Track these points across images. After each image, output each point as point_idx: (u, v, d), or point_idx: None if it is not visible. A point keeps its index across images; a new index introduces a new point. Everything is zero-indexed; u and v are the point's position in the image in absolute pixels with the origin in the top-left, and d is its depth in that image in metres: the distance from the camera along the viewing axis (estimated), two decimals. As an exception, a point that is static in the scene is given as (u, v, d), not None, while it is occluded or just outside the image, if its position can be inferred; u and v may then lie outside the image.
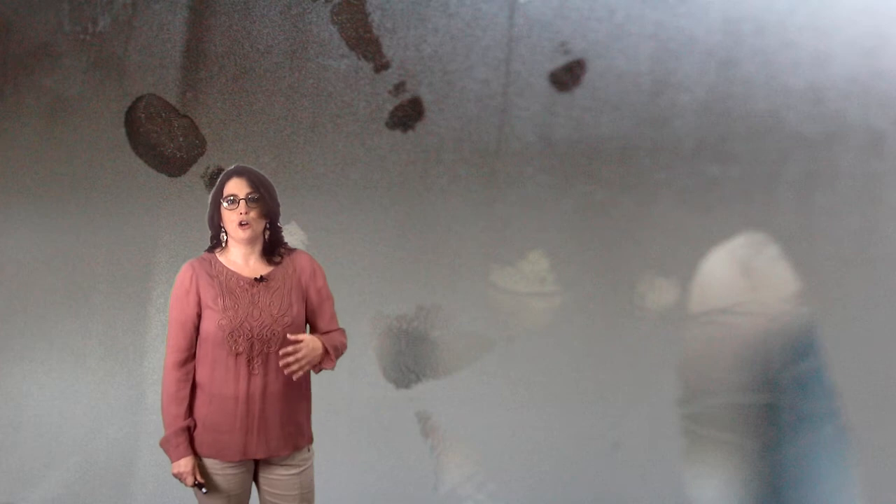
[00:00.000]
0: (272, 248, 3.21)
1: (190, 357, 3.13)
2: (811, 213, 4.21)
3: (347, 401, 4.44)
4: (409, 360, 4.55)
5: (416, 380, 4.55)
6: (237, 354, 3.09)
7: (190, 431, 3.13)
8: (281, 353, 3.06)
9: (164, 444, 3.16)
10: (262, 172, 3.22)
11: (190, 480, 3.11)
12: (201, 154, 4.74)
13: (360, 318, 4.53)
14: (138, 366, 4.75)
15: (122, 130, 4.78)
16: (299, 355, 3.06)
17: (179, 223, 4.73)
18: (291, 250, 3.26)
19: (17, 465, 4.81)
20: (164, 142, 4.75)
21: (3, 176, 4.88)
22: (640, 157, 4.37)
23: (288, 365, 3.05)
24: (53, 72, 4.84)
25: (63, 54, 4.84)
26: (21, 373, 4.85)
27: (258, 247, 3.19)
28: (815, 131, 4.19)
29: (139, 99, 4.76)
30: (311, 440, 3.27)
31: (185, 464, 3.11)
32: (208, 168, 4.72)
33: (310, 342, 3.09)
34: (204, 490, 3.13)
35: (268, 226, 3.19)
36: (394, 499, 4.54)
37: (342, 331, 3.31)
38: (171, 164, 4.75)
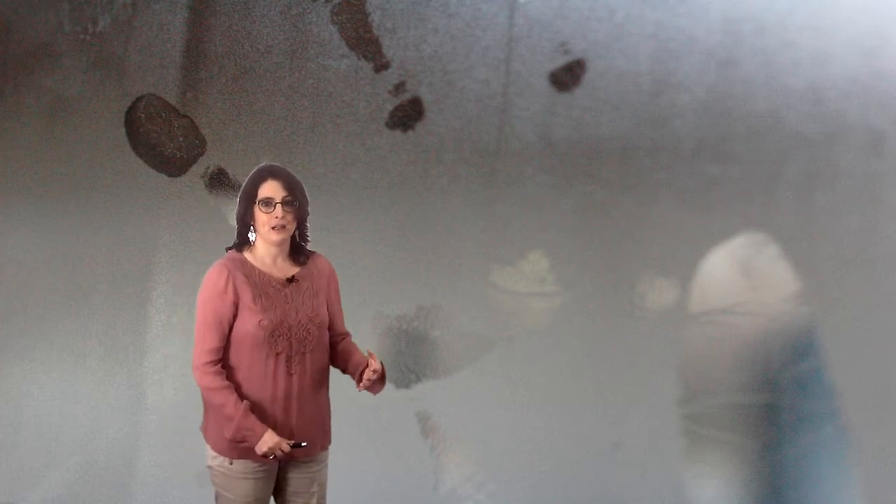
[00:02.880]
0: (300, 249, 3.21)
1: (220, 358, 3.10)
2: (811, 213, 4.21)
3: (347, 401, 4.44)
4: (409, 360, 4.55)
5: (416, 380, 4.55)
6: (277, 354, 3.08)
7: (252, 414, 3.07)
8: (369, 370, 3.15)
9: (239, 431, 3.03)
10: (291, 172, 3.20)
11: (286, 446, 3.03)
12: (201, 154, 4.74)
13: (360, 318, 4.52)
14: (138, 366, 4.75)
15: (122, 130, 4.78)
16: (376, 376, 3.17)
17: (179, 223, 4.73)
18: (311, 252, 3.27)
19: (17, 465, 4.81)
20: (164, 142, 4.75)
21: (3, 176, 4.88)
22: (640, 157, 4.37)
23: (366, 381, 3.17)
24: (53, 72, 4.84)
25: (63, 54, 4.84)
26: (21, 373, 4.84)
27: (286, 247, 3.19)
28: (815, 131, 4.19)
29: (139, 99, 4.76)
30: (331, 440, 3.29)
31: (270, 437, 3.02)
32: (208, 168, 4.72)
33: (381, 367, 3.19)
34: (304, 444, 3.07)
35: (297, 227, 3.19)
36: (394, 499, 4.54)
37: (350, 336, 3.36)
38: (171, 164, 4.75)
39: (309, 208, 3.21)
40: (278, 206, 3.09)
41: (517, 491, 4.45)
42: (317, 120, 4.65)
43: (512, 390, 4.46)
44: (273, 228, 3.09)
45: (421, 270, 4.55)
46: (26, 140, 4.87)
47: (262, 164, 3.22)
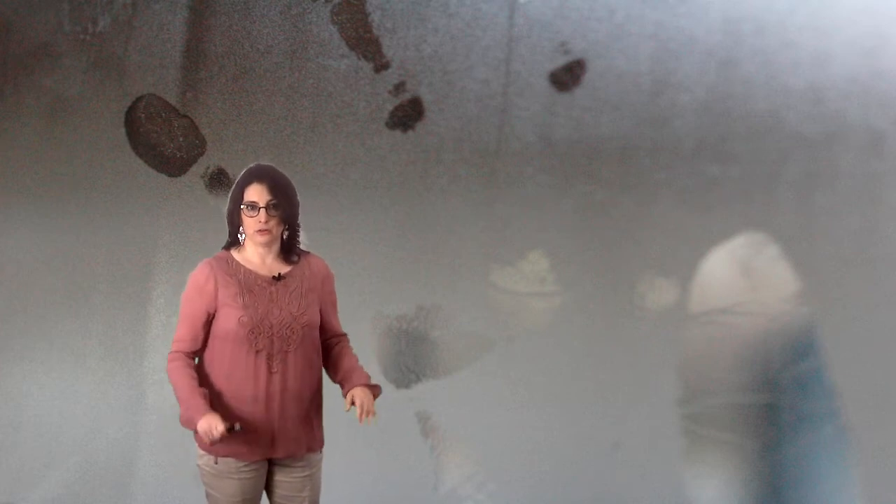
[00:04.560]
0: (289, 248, 3.21)
1: (192, 351, 3.12)
2: (811, 213, 4.21)
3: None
4: (409, 360, 4.55)
5: (416, 380, 4.55)
6: (257, 352, 3.08)
7: (206, 397, 3.03)
8: (361, 420, 3.12)
9: (185, 411, 3.03)
10: (282, 173, 3.19)
11: (221, 427, 2.96)
12: (201, 154, 4.74)
13: (360, 318, 4.52)
14: (138, 366, 4.76)
15: (122, 130, 4.78)
16: (367, 407, 3.12)
17: (179, 223, 4.73)
18: (306, 253, 3.27)
19: (17, 465, 4.81)
20: (164, 142, 4.76)
21: (3, 176, 4.88)
22: (640, 157, 4.37)
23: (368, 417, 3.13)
24: (53, 72, 4.85)
25: (63, 54, 4.84)
26: (21, 373, 4.85)
27: (275, 246, 3.19)
28: (815, 131, 4.19)
29: (139, 99, 4.77)
30: (322, 443, 3.27)
31: (209, 417, 2.97)
32: (208, 168, 4.72)
33: (360, 394, 3.14)
34: (238, 427, 3.01)
35: (286, 227, 3.18)
36: (394, 499, 4.54)
37: (347, 338, 3.33)
38: (171, 164, 4.75)
39: (299, 210, 3.21)
40: (262, 211, 3.10)
41: (517, 491, 4.45)
42: (317, 120, 4.65)
43: (512, 390, 4.46)
44: (258, 232, 3.11)
45: (421, 270, 4.55)
46: (26, 140, 4.87)
47: (251, 165, 3.23)
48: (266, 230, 3.11)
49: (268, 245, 3.16)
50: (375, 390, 3.22)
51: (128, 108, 4.77)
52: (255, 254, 3.16)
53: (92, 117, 4.80)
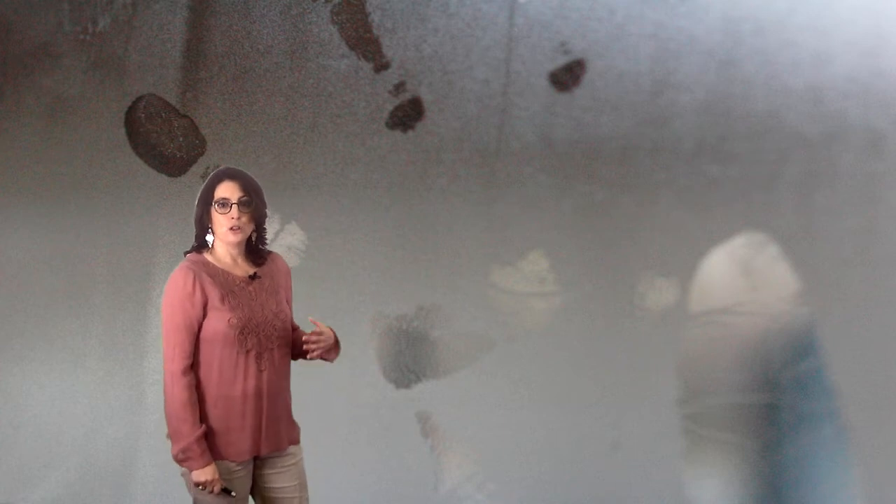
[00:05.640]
0: (258, 249, 3.24)
1: (192, 362, 3.12)
2: (811, 213, 4.21)
3: (347, 401, 4.44)
4: (409, 360, 4.55)
5: (416, 380, 4.55)
6: (247, 351, 3.10)
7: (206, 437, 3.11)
8: (311, 333, 3.16)
9: (185, 452, 3.07)
10: (250, 174, 3.23)
11: (219, 487, 3.07)
12: (201, 154, 4.74)
13: (360, 318, 4.53)
14: (138, 366, 4.76)
15: (122, 130, 4.78)
16: (322, 338, 3.16)
17: (179, 223, 4.72)
18: (269, 252, 3.31)
19: (17, 465, 4.81)
20: (164, 142, 4.76)
21: (3, 176, 4.88)
22: (640, 157, 4.37)
23: (310, 345, 3.16)
24: (53, 72, 4.85)
25: (63, 54, 4.84)
26: (21, 373, 4.85)
27: (243, 248, 3.21)
28: (815, 131, 4.19)
29: (139, 99, 4.77)
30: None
31: (212, 471, 3.06)
32: (208, 168, 4.72)
33: (328, 331, 3.20)
34: (233, 494, 3.09)
35: (255, 228, 3.21)
36: (394, 499, 4.54)
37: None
38: (171, 164, 4.76)
39: (267, 211, 3.24)
40: (234, 207, 3.11)
41: (517, 491, 4.45)
42: (317, 120, 4.65)
43: (512, 390, 4.46)
44: (230, 229, 3.12)
45: (421, 270, 4.55)
46: (26, 140, 4.87)
47: (219, 167, 3.27)
48: (238, 228, 3.12)
49: (239, 245, 3.17)
50: (337, 347, 3.26)
51: (128, 108, 4.77)
52: (227, 255, 3.19)
53: (92, 117, 4.81)
